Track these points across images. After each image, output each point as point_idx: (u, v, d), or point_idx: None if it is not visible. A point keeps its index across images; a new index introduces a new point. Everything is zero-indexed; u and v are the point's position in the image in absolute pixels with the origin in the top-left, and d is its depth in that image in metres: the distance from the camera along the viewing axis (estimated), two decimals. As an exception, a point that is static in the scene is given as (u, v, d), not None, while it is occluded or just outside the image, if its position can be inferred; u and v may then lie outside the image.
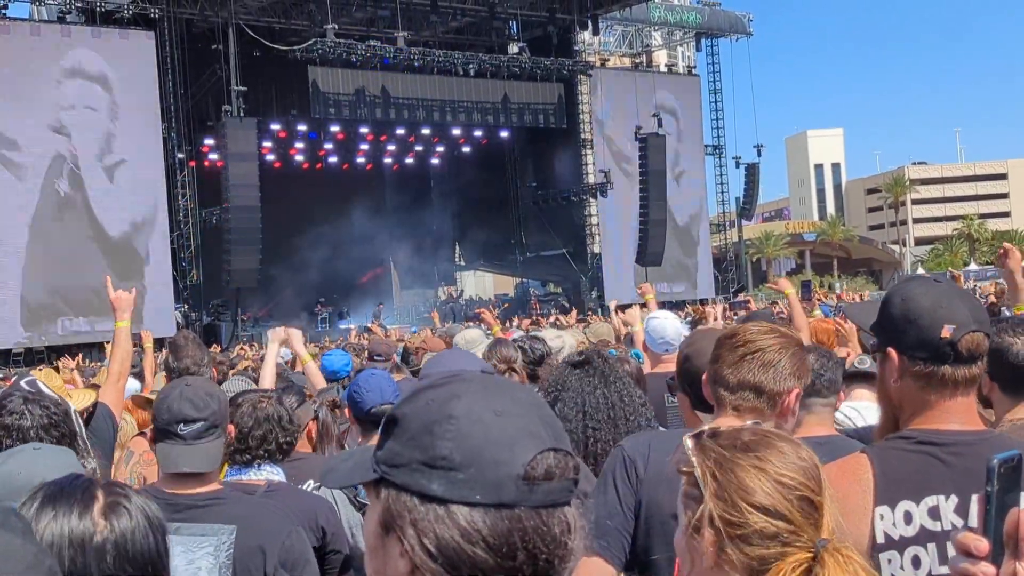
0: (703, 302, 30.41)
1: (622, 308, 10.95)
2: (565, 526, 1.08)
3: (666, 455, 1.61)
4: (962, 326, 2.01)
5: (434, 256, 41.49)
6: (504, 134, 39.42)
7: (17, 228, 28.03)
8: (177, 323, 28.71)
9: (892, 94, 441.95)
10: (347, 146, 38.35)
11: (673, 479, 1.50)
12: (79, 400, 3.66)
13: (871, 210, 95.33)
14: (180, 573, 2.73)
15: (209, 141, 33.07)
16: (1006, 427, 2.74)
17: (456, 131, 38.45)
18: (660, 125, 37.36)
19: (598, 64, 40.19)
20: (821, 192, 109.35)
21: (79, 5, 29.92)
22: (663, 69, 47.82)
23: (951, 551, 1.11)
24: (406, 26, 32.61)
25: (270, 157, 35.03)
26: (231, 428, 3.13)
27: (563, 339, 5.68)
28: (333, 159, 38.82)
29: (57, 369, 11.53)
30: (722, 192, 44.41)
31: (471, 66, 33.40)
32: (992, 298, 10.69)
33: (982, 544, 1.04)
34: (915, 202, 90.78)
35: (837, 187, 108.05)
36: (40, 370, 5.28)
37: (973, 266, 53.96)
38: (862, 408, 3.75)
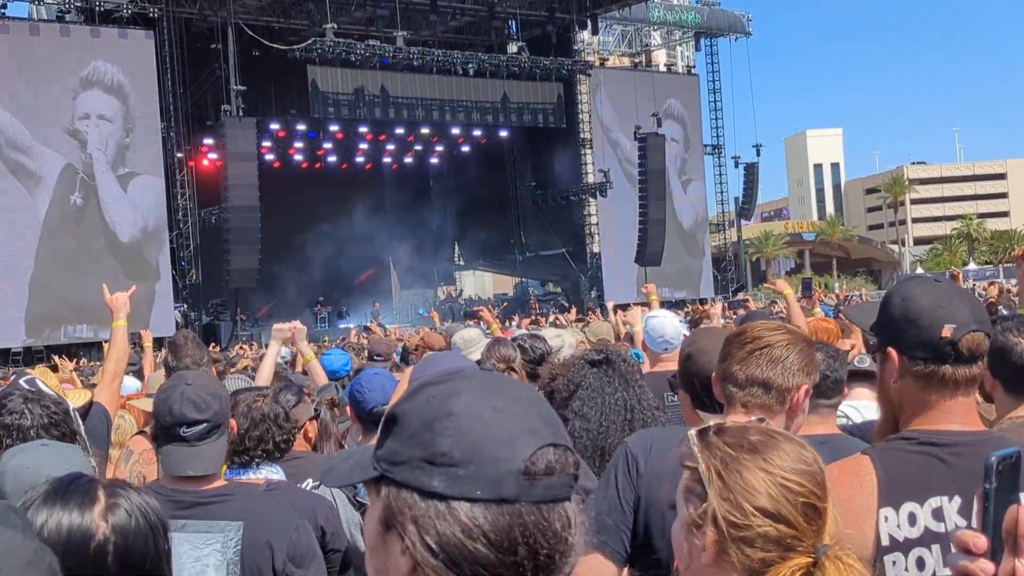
0: (702, 302, 30.44)
1: (621, 308, 10.96)
2: (566, 521, 1.08)
3: (667, 452, 1.61)
4: (963, 326, 2.00)
5: (433, 256, 41.50)
6: (503, 134, 39.43)
7: (27, 235, 28.15)
8: (176, 323, 28.75)
9: (891, 94, 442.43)
10: (346, 146, 38.35)
11: (674, 474, 1.50)
12: (74, 399, 3.65)
13: (870, 210, 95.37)
14: (187, 570, 2.73)
15: (208, 141, 33.09)
16: (1006, 425, 2.74)
17: (455, 131, 38.44)
18: (659, 125, 37.37)
19: (597, 64, 40.20)
20: (820, 192, 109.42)
21: (78, 4, 29.95)
22: (662, 69, 47.85)
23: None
24: (405, 25, 32.62)
25: (269, 157, 35.04)
26: (233, 423, 3.13)
27: (563, 338, 5.67)
28: (332, 159, 38.82)
29: (55, 368, 11.52)
30: (721, 192, 44.54)
31: (470, 66, 33.40)
32: (992, 299, 10.72)
33: (981, 541, 1.04)
34: (914, 202, 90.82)
35: (836, 187, 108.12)
36: (36, 368, 5.29)
37: (972, 266, 54.05)
38: (862, 407, 3.75)
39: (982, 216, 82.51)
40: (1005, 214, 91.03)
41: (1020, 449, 1.09)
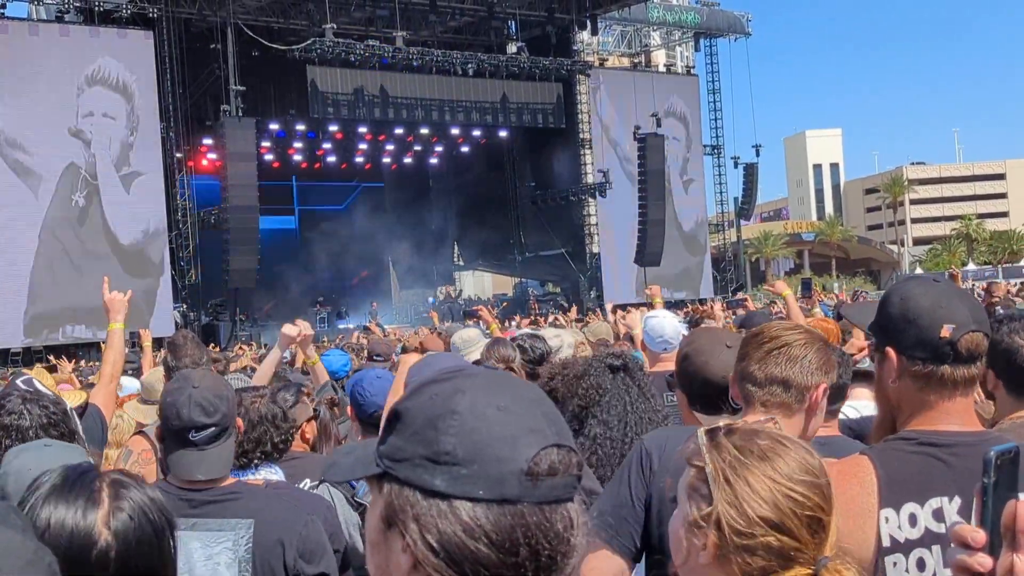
0: (701, 302, 30.43)
1: (620, 308, 10.97)
2: (568, 522, 1.08)
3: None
4: (961, 326, 2.00)
5: (433, 256, 41.48)
6: (503, 134, 39.41)
7: (27, 234, 28.12)
8: (175, 323, 28.73)
9: (891, 94, 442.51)
10: (346, 146, 38.35)
11: (677, 470, 1.51)
12: (69, 400, 3.65)
13: (869, 210, 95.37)
14: (199, 569, 2.74)
15: (208, 141, 33.08)
16: (1007, 425, 2.74)
17: (455, 131, 38.43)
18: (659, 125, 37.37)
19: (597, 64, 40.18)
20: (820, 192, 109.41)
21: (77, 4, 29.92)
22: (662, 69, 47.87)
23: None
24: (405, 26, 32.61)
25: (268, 157, 35.03)
26: (240, 423, 3.13)
27: (561, 338, 5.66)
28: (332, 159, 38.81)
29: (54, 369, 11.51)
30: (721, 192, 44.52)
31: (470, 66, 33.39)
32: (996, 299, 10.72)
33: (979, 535, 1.04)
34: (913, 202, 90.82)
35: (835, 187, 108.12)
36: (32, 368, 5.28)
37: (971, 266, 54.04)
38: (861, 407, 3.76)
39: (981, 216, 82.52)
40: (1004, 214, 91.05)
41: (1019, 446, 1.09)
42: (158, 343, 11.49)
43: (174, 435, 2.83)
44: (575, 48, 38.97)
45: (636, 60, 44.82)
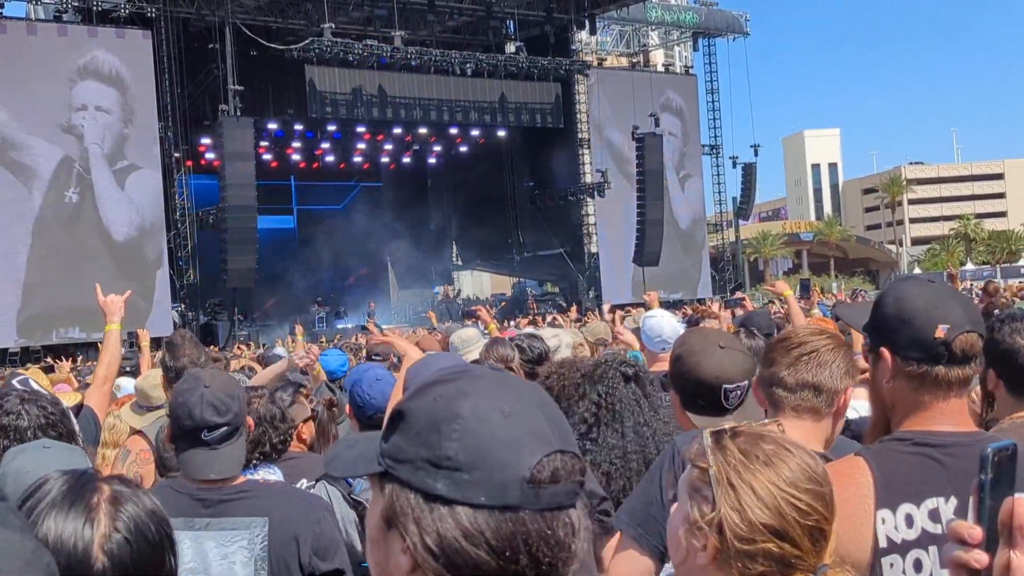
0: (700, 302, 30.42)
1: (620, 308, 10.97)
2: (570, 529, 1.07)
3: None
4: (956, 326, 2.00)
5: (431, 256, 41.46)
6: (501, 133, 39.38)
7: (19, 232, 27.98)
8: (174, 322, 28.69)
9: (889, 94, 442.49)
10: (344, 145, 38.33)
11: (680, 467, 1.51)
12: (64, 401, 3.65)
13: (868, 210, 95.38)
14: (215, 568, 2.74)
15: (206, 140, 33.05)
16: (1006, 425, 2.74)
17: (453, 130, 38.39)
18: (657, 125, 37.36)
19: (595, 64, 40.17)
20: (818, 192, 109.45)
21: (75, 4, 29.89)
22: (660, 69, 47.84)
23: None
24: (403, 25, 32.57)
25: (267, 156, 35.01)
26: (250, 421, 3.13)
27: (559, 337, 5.67)
28: (330, 158, 38.80)
29: (51, 369, 11.53)
30: (719, 192, 44.51)
31: (468, 65, 33.36)
32: (1004, 300, 10.72)
33: (975, 532, 1.04)
34: (912, 202, 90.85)
35: (834, 187, 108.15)
36: (28, 368, 5.28)
37: (970, 266, 54.07)
38: (860, 407, 3.76)
39: (979, 216, 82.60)
40: (1003, 214, 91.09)
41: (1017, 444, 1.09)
42: (156, 343, 11.50)
43: (186, 435, 2.82)
44: (573, 48, 38.94)
45: (634, 60, 44.80)
